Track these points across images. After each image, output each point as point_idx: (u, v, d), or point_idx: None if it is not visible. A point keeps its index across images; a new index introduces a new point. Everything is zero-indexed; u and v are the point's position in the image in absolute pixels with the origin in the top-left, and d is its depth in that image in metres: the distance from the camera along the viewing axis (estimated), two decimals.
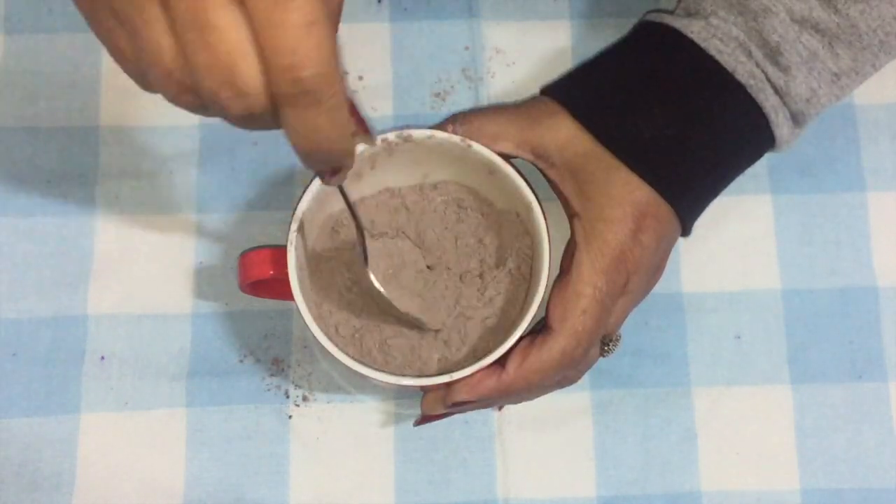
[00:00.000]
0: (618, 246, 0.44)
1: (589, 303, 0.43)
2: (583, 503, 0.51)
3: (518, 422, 0.52)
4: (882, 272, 0.54)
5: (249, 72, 0.32)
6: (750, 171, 0.55)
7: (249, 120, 0.34)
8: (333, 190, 0.48)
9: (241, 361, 0.53)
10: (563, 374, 0.45)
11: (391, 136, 0.47)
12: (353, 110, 0.39)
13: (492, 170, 0.48)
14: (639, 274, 0.45)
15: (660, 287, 0.53)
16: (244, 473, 0.51)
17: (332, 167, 0.38)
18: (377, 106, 0.56)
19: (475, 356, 0.46)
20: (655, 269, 0.47)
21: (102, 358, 0.52)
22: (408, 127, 0.48)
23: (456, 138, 0.47)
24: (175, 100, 0.35)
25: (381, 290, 0.46)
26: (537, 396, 0.48)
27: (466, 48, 0.57)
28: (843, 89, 0.47)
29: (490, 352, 0.45)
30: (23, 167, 0.55)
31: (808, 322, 0.54)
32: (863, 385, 0.53)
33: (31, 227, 0.54)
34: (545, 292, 0.46)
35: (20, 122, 0.55)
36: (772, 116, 0.46)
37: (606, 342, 0.47)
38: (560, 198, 0.47)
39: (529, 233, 0.48)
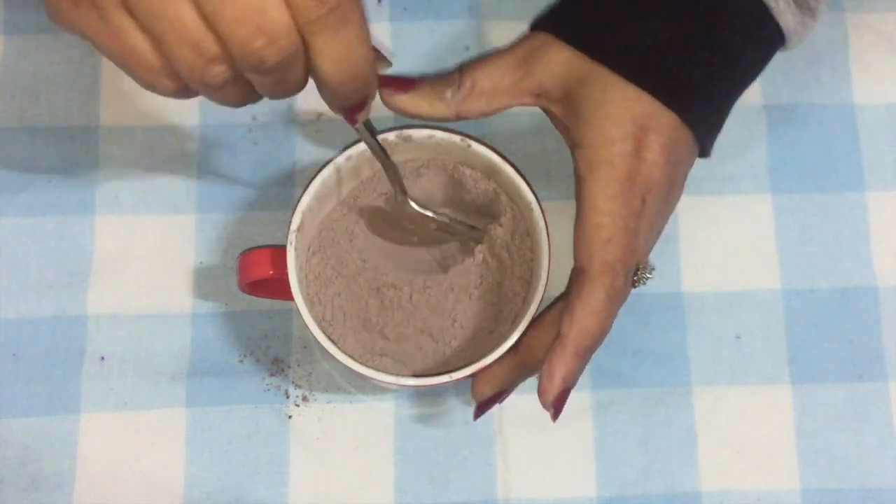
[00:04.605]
0: (624, 167, 0.41)
1: (611, 232, 0.41)
2: (583, 503, 0.51)
3: (518, 422, 0.52)
4: (882, 272, 0.54)
5: (276, 10, 0.33)
6: (750, 171, 0.55)
7: (283, 69, 0.35)
8: (333, 190, 0.48)
9: (241, 361, 0.53)
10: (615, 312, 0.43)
11: (391, 136, 0.47)
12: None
13: (492, 169, 0.48)
14: (652, 193, 0.42)
15: (660, 287, 0.54)
16: (244, 473, 0.51)
17: (361, 98, 0.38)
18: (377, 106, 0.56)
19: (474, 356, 0.46)
20: (670, 187, 0.43)
21: (102, 358, 0.52)
22: (408, 127, 0.48)
23: (456, 138, 0.47)
24: (205, 77, 0.35)
25: (426, 211, 0.46)
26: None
27: (467, 48, 0.57)
28: None
29: (490, 352, 0.45)
30: (23, 167, 0.55)
31: (808, 322, 0.54)
32: (863, 385, 0.53)
33: (31, 227, 0.54)
34: (545, 292, 0.46)
35: (20, 122, 0.55)
36: (771, 4, 0.44)
37: (638, 272, 0.44)
38: (563, 134, 0.45)
39: (529, 233, 0.48)
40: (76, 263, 0.54)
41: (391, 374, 0.46)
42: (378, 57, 0.40)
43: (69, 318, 0.53)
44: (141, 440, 0.51)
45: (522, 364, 0.45)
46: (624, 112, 0.42)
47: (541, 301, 0.46)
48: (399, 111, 0.46)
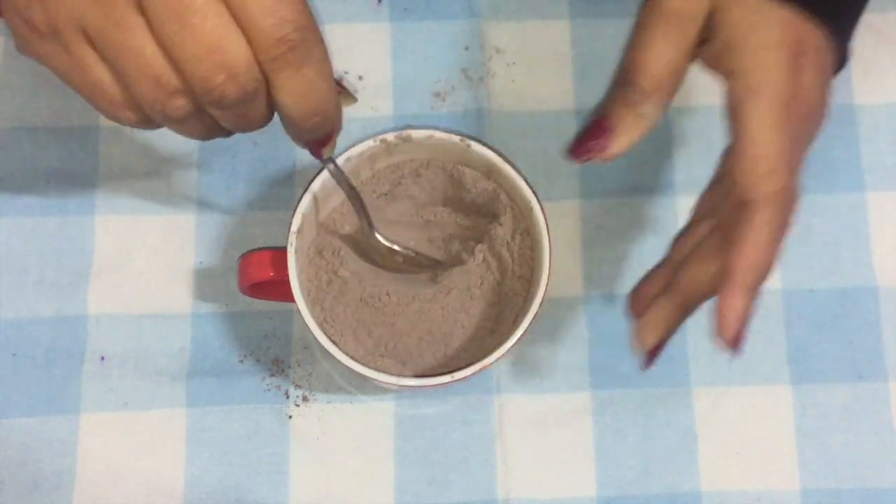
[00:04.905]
0: (784, 93, 0.39)
1: (775, 163, 0.39)
2: (583, 503, 0.51)
3: (518, 422, 0.52)
4: (882, 272, 0.54)
5: (237, 47, 0.33)
6: None
7: (244, 104, 0.35)
8: (333, 190, 0.48)
9: (242, 361, 0.53)
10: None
11: (390, 136, 0.47)
12: None
13: (492, 169, 0.48)
14: (809, 118, 0.40)
15: None
16: (244, 473, 0.51)
17: (324, 133, 0.39)
18: (377, 106, 0.56)
19: (475, 355, 0.46)
20: (823, 109, 0.41)
21: (102, 358, 0.52)
22: (408, 127, 0.48)
23: (455, 138, 0.47)
24: (166, 110, 0.35)
25: (392, 245, 0.47)
26: None
27: (466, 48, 0.57)
28: None
29: (491, 351, 0.45)
30: (23, 167, 0.55)
31: (808, 322, 0.54)
32: (863, 385, 0.53)
33: (31, 227, 0.54)
34: (545, 292, 0.46)
35: (20, 122, 0.55)
36: None
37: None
38: (707, 64, 0.42)
39: (530, 232, 0.48)
40: (76, 263, 0.54)
41: (392, 374, 0.46)
42: (342, 92, 0.40)
43: (69, 318, 0.53)
44: (141, 440, 0.51)
45: (682, 304, 0.43)
46: (780, 34, 0.40)
47: (542, 300, 0.46)
48: (620, 155, 0.42)
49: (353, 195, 0.45)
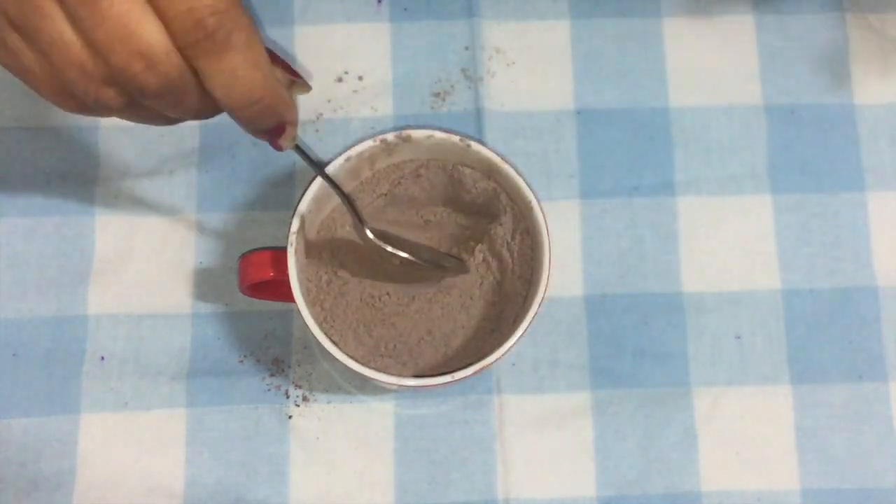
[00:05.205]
0: None
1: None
2: (583, 503, 0.51)
3: (518, 422, 0.52)
4: (882, 272, 0.54)
5: (152, 34, 0.32)
6: (750, 170, 0.55)
7: (171, 93, 0.33)
8: (333, 191, 0.48)
9: (242, 361, 0.53)
10: None
11: (390, 136, 0.47)
12: (278, 60, 0.38)
13: (492, 169, 0.48)
14: None
15: (660, 287, 0.54)
16: (244, 473, 0.51)
17: (273, 124, 0.37)
18: (377, 106, 0.56)
19: (475, 355, 0.46)
20: None
21: (102, 358, 0.52)
22: (408, 127, 0.48)
23: (455, 138, 0.47)
24: (99, 99, 0.34)
25: (384, 245, 0.46)
26: None
27: (466, 48, 0.57)
28: None
29: (492, 351, 0.45)
30: (23, 167, 0.55)
31: (808, 322, 0.54)
32: (863, 385, 0.53)
33: (31, 227, 0.54)
34: (545, 292, 0.46)
35: (20, 122, 0.55)
36: None
37: None
38: None
39: (530, 232, 0.48)
40: (76, 263, 0.54)
41: (393, 374, 0.46)
42: (295, 80, 0.39)
43: (69, 318, 0.53)
44: (141, 440, 0.51)
45: None
46: None
47: (542, 300, 0.46)
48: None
49: (345, 198, 0.45)
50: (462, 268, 0.48)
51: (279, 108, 0.36)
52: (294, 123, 0.38)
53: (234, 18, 0.32)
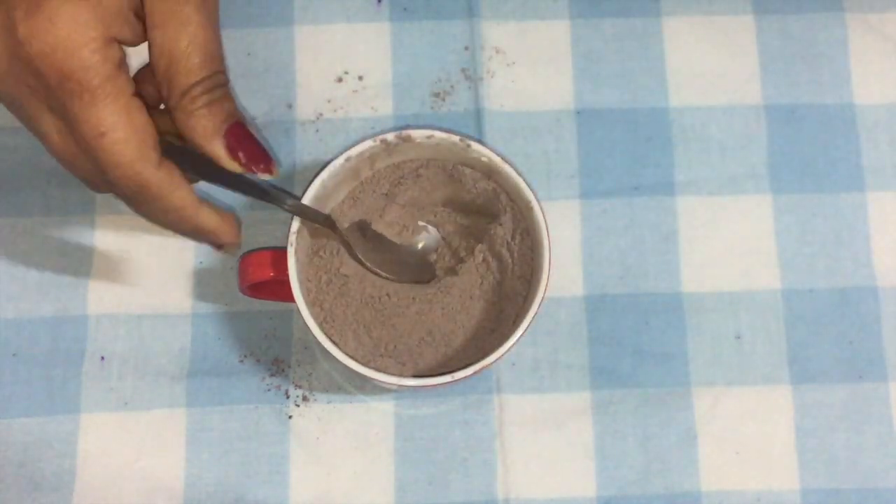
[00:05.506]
0: None
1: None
2: (583, 503, 0.51)
3: (518, 422, 0.52)
4: (882, 272, 0.54)
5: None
6: (750, 170, 0.55)
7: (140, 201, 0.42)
8: (333, 190, 0.48)
9: (242, 361, 0.53)
10: None
11: (390, 136, 0.47)
12: (245, 143, 0.42)
13: (492, 169, 0.48)
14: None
15: (660, 287, 0.54)
16: (244, 473, 0.51)
17: (209, 243, 0.45)
18: (377, 106, 0.56)
19: (475, 355, 0.46)
20: None
21: (102, 358, 0.52)
22: (408, 127, 0.48)
23: (455, 138, 0.47)
24: (107, 190, 0.43)
25: (379, 271, 0.48)
26: None
27: (466, 48, 0.57)
28: None
29: (491, 351, 0.45)
30: (23, 167, 0.55)
31: (808, 322, 0.54)
32: (863, 385, 0.53)
33: (31, 227, 0.54)
34: (545, 292, 0.46)
35: (20, 122, 0.55)
36: None
37: None
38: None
39: (529, 232, 0.48)
40: (76, 263, 0.54)
41: (392, 374, 0.46)
42: (230, 215, 0.45)
43: (69, 318, 0.53)
44: (141, 440, 0.51)
45: None
46: None
47: (542, 300, 0.46)
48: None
49: (339, 236, 0.47)
50: (450, 270, 0.49)
51: (206, 239, 0.44)
52: (232, 245, 0.46)
53: (147, 184, 0.41)
